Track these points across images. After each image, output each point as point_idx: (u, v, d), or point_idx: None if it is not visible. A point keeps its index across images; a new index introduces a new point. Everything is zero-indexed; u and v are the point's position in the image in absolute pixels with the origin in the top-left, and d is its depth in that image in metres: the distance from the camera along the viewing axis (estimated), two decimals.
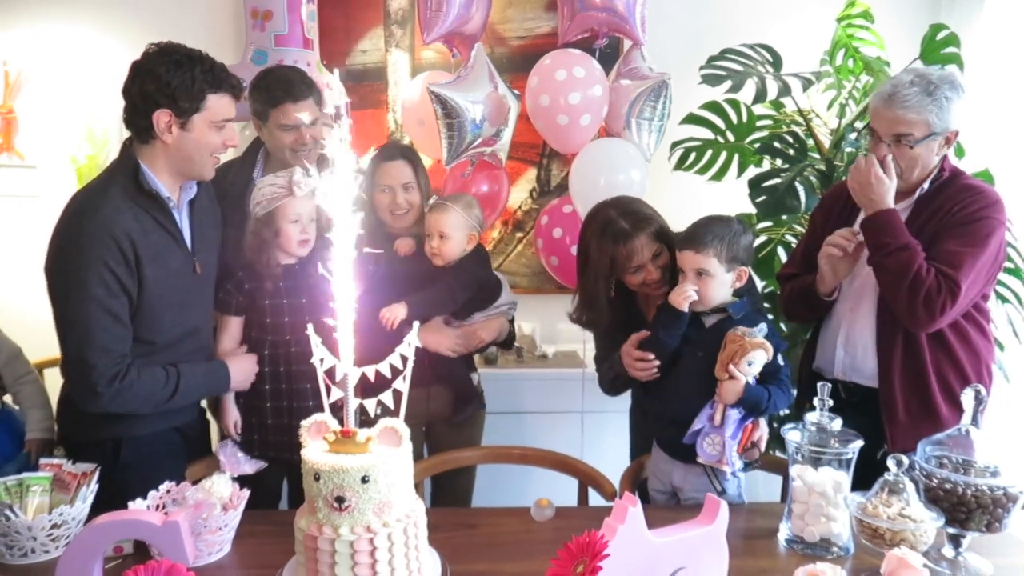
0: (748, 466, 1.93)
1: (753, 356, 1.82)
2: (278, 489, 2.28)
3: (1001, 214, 1.98)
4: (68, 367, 1.91)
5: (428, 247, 2.36)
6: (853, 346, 2.14)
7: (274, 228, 2.10)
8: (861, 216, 2.15)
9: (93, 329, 1.84)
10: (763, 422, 1.90)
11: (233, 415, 2.15)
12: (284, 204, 2.09)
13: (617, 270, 2.11)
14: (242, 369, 2.11)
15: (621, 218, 2.09)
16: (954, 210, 1.98)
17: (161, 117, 1.87)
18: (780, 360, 1.89)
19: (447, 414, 2.50)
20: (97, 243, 1.84)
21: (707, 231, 1.92)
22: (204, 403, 2.28)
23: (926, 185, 2.03)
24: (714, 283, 1.91)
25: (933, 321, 1.96)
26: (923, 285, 1.92)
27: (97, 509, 1.66)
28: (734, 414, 1.84)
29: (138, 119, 1.90)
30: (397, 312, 2.25)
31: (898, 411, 2.05)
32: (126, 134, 1.97)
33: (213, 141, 1.94)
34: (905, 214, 2.06)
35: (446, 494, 2.56)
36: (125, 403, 1.89)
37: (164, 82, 1.85)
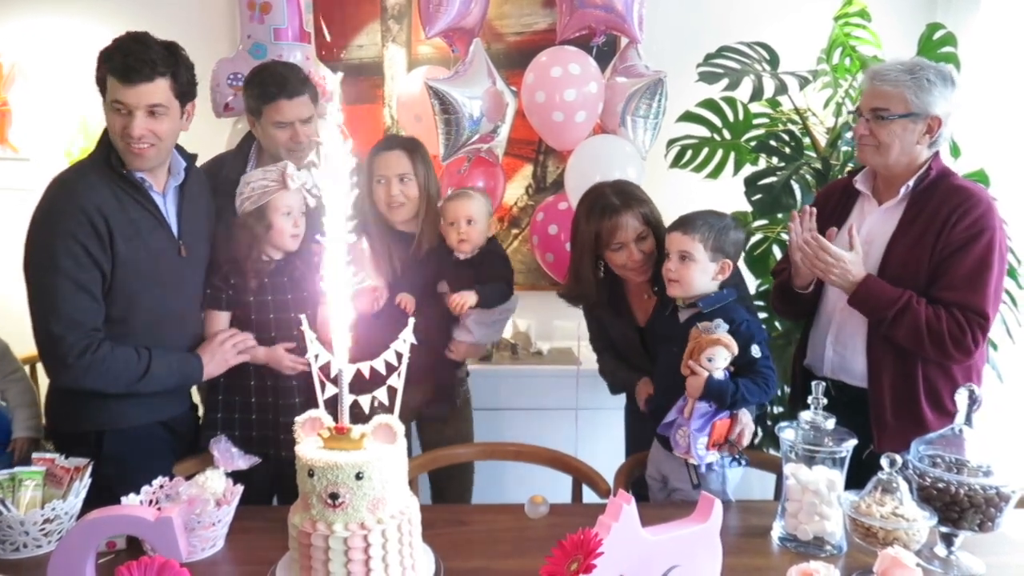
0: (735, 461, 1.94)
1: (711, 352, 1.83)
2: (269, 485, 2.28)
3: (996, 218, 1.96)
4: (38, 342, 1.91)
5: (455, 235, 2.36)
6: (843, 346, 2.13)
7: (266, 222, 2.10)
8: (854, 215, 2.14)
9: (61, 301, 1.84)
10: (746, 418, 1.90)
11: (280, 356, 2.13)
12: (276, 197, 2.09)
13: (601, 245, 2.15)
14: (216, 354, 2.08)
15: (613, 195, 2.16)
16: (952, 219, 1.93)
17: None
18: (756, 352, 1.89)
19: (444, 408, 2.50)
20: (67, 216, 1.85)
21: (699, 217, 1.96)
22: (197, 399, 2.28)
23: (912, 182, 2.00)
24: (696, 268, 1.92)
25: (970, 355, 1.96)
26: (943, 332, 1.91)
27: (82, 503, 1.66)
28: (703, 407, 1.85)
29: None
30: (468, 299, 2.30)
31: (886, 413, 2.04)
32: None
33: (113, 123, 1.90)
34: (897, 213, 2.04)
35: (446, 491, 2.56)
36: (97, 378, 1.89)
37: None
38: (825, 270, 1.99)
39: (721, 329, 1.85)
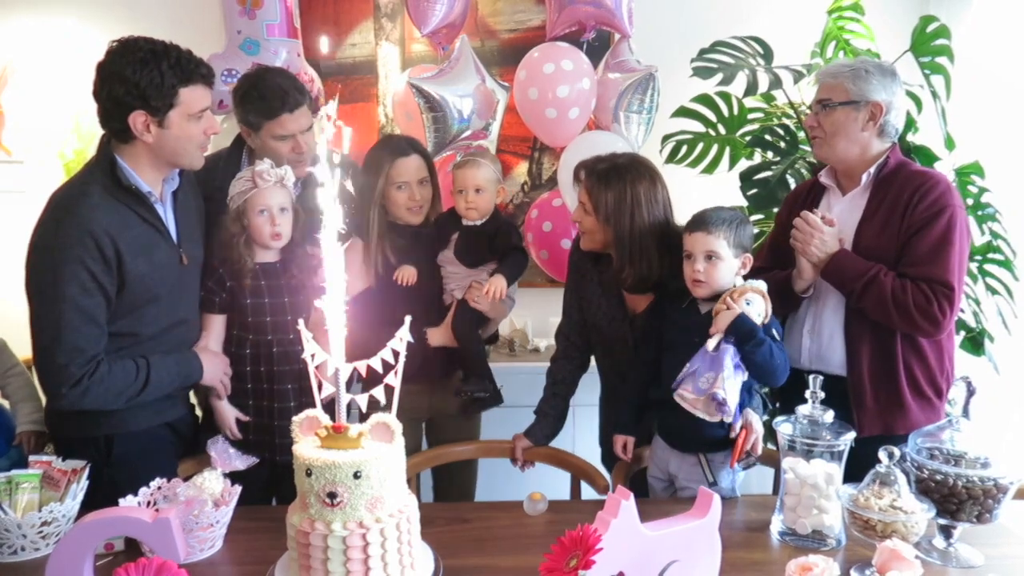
0: (747, 466, 1.94)
1: (751, 297, 1.85)
2: (268, 487, 2.27)
3: (956, 197, 2.04)
4: (38, 366, 1.89)
5: (464, 203, 2.36)
6: (819, 335, 2.15)
7: (243, 222, 2.11)
8: (822, 208, 2.18)
9: (64, 329, 1.81)
10: (758, 425, 1.90)
11: (231, 415, 2.15)
12: (251, 196, 2.09)
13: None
14: (213, 364, 2.09)
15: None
16: (913, 200, 2.00)
17: (137, 119, 1.85)
18: (776, 336, 1.90)
19: (456, 407, 2.46)
20: (75, 241, 1.81)
21: (717, 215, 1.94)
22: (194, 399, 2.28)
23: (872, 170, 2.07)
24: (723, 266, 1.91)
25: (939, 327, 1.98)
26: (908, 303, 1.96)
27: (90, 506, 1.65)
28: (730, 349, 1.83)
29: (113, 123, 1.87)
30: (499, 283, 2.29)
31: (866, 397, 2.07)
32: None
33: (194, 133, 1.92)
34: (862, 202, 2.10)
35: (449, 489, 2.55)
36: (94, 400, 1.87)
37: (132, 83, 1.81)
38: (806, 242, 2.04)
39: (764, 287, 1.88)
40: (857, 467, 1.66)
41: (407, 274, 2.30)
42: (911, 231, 2.00)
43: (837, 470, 1.70)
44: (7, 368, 2.41)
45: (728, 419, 1.84)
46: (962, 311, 2.51)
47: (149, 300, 1.94)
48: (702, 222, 1.92)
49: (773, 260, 2.25)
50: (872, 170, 2.08)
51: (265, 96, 2.25)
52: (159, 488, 1.74)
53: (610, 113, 2.91)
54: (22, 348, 2.48)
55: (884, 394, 2.06)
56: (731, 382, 1.81)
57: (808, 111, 2.93)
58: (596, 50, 3.08)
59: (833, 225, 2.05)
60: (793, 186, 2.73)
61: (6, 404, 2.44)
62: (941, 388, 2.08)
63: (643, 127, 2.94)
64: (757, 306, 1.86)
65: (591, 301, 2.25)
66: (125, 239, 1.87)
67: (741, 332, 1.83)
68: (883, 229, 2.04)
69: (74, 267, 1.81)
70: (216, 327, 2.14)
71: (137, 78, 1.81)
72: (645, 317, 2.15)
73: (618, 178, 2.05)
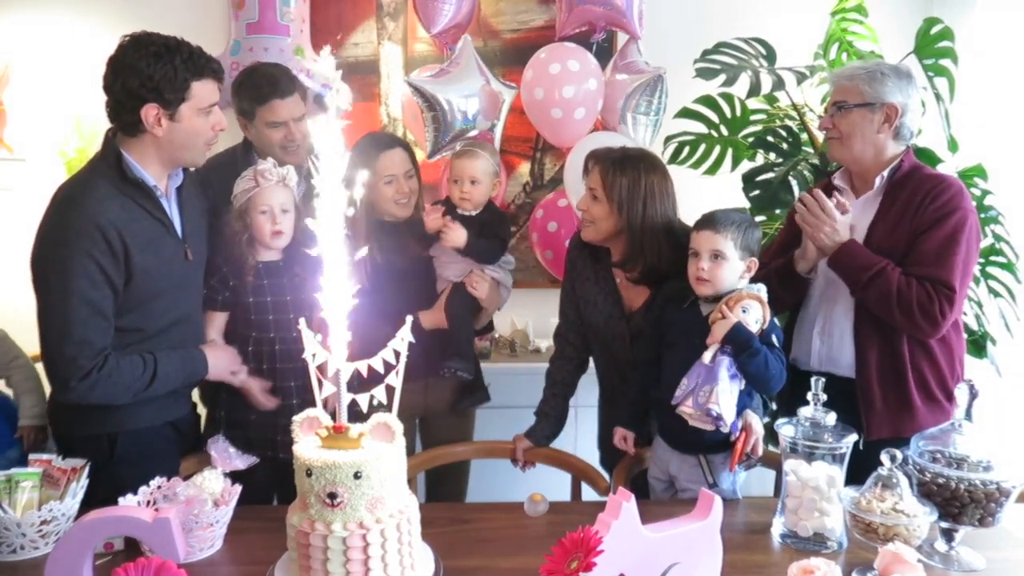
0: (748, 467, 1.94)
1: (748, 304, 1.84)
2: (269, 486, 2.27)
3: (968, 201, 2.03)
4: (46, 360, 1.88)
5: (458, 192, 2.36)
6: (830, 336, 2.15)
7: (245, 220, 2.12)
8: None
9: (73, 321, 1.82)
10: (758, 426, 1.90)
11: (256, 385, 2.12)
12: (254, 196, 2.10)
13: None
14: (220, 358, 2.08)
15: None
16: (924, 202, 2.01)
17: (149, 112, 1.86)
18: (775, 342, 1.90)
19: (447, 404, 2.48)
20: (83, 234, 1.82)
21: (726, 215, 1.94)
22: (197, 397, 2.27)
23: (886, 173, 2.08)
24: (727, 266, 1.90)
25: (937, 328, 1.99)
26: (912, 299, 1.96)
27: (92, 504, 1.64)
28: (725, 361, 1.83)
29: (124, 115, 1.88)
30: (459, 234, 2.29)
31: (875, 399, 2.07)
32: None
33: (203, 127, 1.93)
34: (875, 204, 2.10)
35: (441, 488, 2.55)
36: (103, 395, 1.87)
37: (147, 76, 1.83)
38: (817, 226, 2.04)
39: (762, 291, 1.87)
40: (866, 471, 1.65)
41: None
42: (919, 231, 2.01)
43: (839, 472, 1.69)
44: (10, 359, 2.41)
45: (725, 430, 1.85)
46: (964, 313, 2.51)
47: (154, 295, 1.94)
48: (711, 221, 1.93)
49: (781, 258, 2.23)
50: (886, 173, 2.08)
51: (257, 83, 2.36)
52: (159, 487, 1.74)
53: (617, 114, 2.90)
54: (27, 346, 2.48)
55: (893, 397, 2.06)
56: (726, 396, 1.82)
57: (810, 112, 2.96)
58: (604, 51, 3.07)
59: (847, 212, 2.05)
60: (795, 187, 2.73)
61: (10, 393, 2.44)
62: (951, 391, 2.05)
63: (650, 129, 2.94)
64: (754, 312, 1.85)
65: (587, 299, 2.25)
66: (132, 232, 1.87)
67: (737, 342, 1.83)
68: (893, 229, 2.04)
69: (82, 260, 1.82)
70: (218, 324, 2.15)
71: (151, 71, 1.83)
72: (642, 315, 2.15)
73: (632, 166, 2.08)
